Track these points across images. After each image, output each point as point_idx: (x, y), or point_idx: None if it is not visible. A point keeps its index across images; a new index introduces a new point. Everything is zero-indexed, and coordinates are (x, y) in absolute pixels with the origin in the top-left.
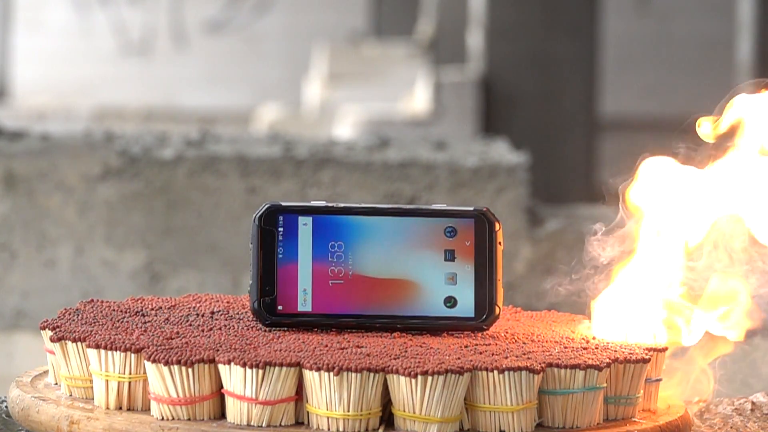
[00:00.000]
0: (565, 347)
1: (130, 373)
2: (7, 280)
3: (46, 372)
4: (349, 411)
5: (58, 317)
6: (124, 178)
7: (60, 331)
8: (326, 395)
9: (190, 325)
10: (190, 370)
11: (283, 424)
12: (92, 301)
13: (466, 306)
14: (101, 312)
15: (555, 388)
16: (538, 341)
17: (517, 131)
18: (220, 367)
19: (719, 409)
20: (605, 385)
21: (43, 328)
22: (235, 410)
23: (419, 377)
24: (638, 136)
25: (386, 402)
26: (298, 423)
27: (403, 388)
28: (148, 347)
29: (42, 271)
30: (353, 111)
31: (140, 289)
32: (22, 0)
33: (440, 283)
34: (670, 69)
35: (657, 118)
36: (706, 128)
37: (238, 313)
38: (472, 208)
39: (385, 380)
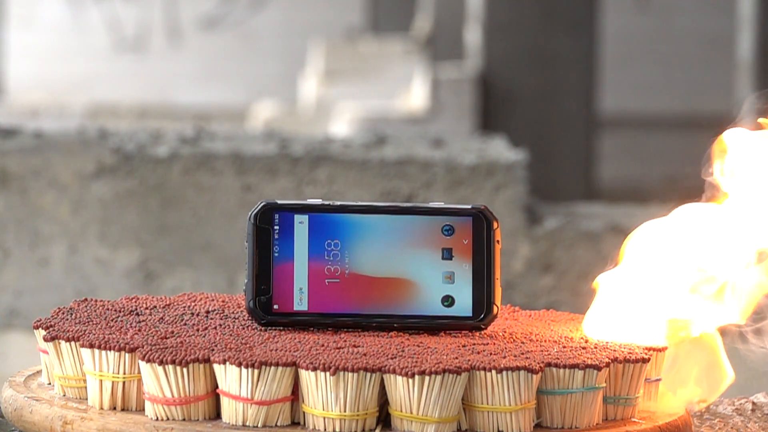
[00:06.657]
0: (564, 347)
1: (124, 373)
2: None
3: (39, 372)
4: (345, 411)
5: (52, 316)
6: (118, 175)
7: (53, 330)
8: (322, 395)
9: (185, 324)
10: (184, 369)
11: (278, 424)
12: (86, 300)
13: (463, 305)
14: (95, 311)
15: (554, 388)
16: (537, 341)
17: (516, 128)
18: (216, 366)
19: (719, 410)
20: (604, 385)
21: (37, 328)
22: (230, 410)
23: (416, 377)
24: (637, 134)
25: (383, 402)
26: (294, 423)
27: (400, 388)
28: (143, 347)
29: (35, 270)
30: (350, 108)
31: (134, 288)
32: None
33: (438, 281)
34: (669, 66)
35: (656, 116)
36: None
37: (233, 313)
38: (469, 206)
39: (382, 380)
